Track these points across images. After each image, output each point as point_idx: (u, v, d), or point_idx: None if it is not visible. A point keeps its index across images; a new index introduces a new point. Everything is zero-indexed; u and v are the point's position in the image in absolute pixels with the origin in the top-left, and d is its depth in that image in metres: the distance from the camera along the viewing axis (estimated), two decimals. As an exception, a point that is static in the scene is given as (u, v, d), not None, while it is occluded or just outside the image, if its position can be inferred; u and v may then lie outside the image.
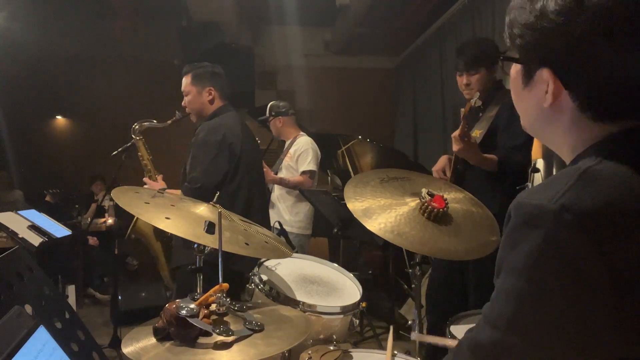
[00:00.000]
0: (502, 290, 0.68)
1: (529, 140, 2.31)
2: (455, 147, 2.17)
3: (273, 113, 3.62)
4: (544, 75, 0.74)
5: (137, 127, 2.82)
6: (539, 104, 0.77)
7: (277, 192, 3.61)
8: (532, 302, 0.65)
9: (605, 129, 0.73)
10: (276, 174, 3.62)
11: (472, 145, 2.17)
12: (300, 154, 3.55)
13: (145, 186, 2.66)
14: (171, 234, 2.63)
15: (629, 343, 0.62)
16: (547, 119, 0.78)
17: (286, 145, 3.73)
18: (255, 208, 2.53)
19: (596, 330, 0.62)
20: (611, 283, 0.61)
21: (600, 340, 0.63)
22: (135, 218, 2.75)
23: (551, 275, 0.63)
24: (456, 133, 2.14)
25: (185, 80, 2.60)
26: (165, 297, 4.03)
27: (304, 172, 3.51)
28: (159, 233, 2.78)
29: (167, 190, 2.57)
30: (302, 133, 3.72)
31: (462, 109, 2.15)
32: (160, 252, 2.79)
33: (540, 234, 0.64)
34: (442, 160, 2.41)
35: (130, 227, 2.81)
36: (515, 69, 0.81)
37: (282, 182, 3.52)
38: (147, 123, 2.81)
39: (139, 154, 2.84)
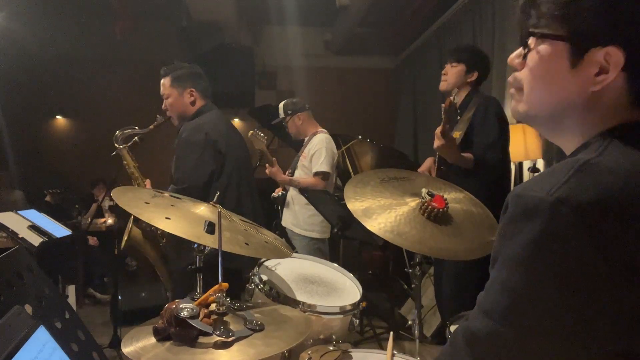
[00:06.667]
0: (498, 280, 0.68)
1: (502, 137, 2.46)
2: (436, 144, 2.27)
3: (289, 112, 3.40)
4: (599, 55, 0.70)
5: (119, 134, 2.74)
6: (581, 88, 0.72)
7: (292, 192, 3.42)
8: (528, 295, 0.64)
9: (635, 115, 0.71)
10: (292, 173, 3.42)
11: (451, 142, 2.27)
12: (314, 153, 3.30)
13: None
14: (165, 241, 2.62)
15: (627, 335, 0.62)
16: (577, 106, 0.73)
17: (304, 143, 3.49)
18: (247, 206, 2.46)
19: (593, 323, 0.62)
20: (608, 276, 0.61)
21: (597, 333, 0.62)
22: (129, 230, 2.69)
23: (547, 267, 0.63)
24: (438, 130, 2.23)
25: (165, 83, 2.54)
26: (165, 297, 4.03)
27: (316, 174, 3.26)
28: (153, 241, 2.72)
29: None
30: (320, 130, 3.47)
31: (443, 105, 2.24)
32: (158, 259, 2.75)
33: (536, 226, 0.64)
34: (427, 162, 2.53)
35: (124, 239, 2.73)
36: (550, 49, 0.74)
37: (292, 183, 3.32)
38: (129, 130, 2.73)
39: (124, 162, 2.75)
